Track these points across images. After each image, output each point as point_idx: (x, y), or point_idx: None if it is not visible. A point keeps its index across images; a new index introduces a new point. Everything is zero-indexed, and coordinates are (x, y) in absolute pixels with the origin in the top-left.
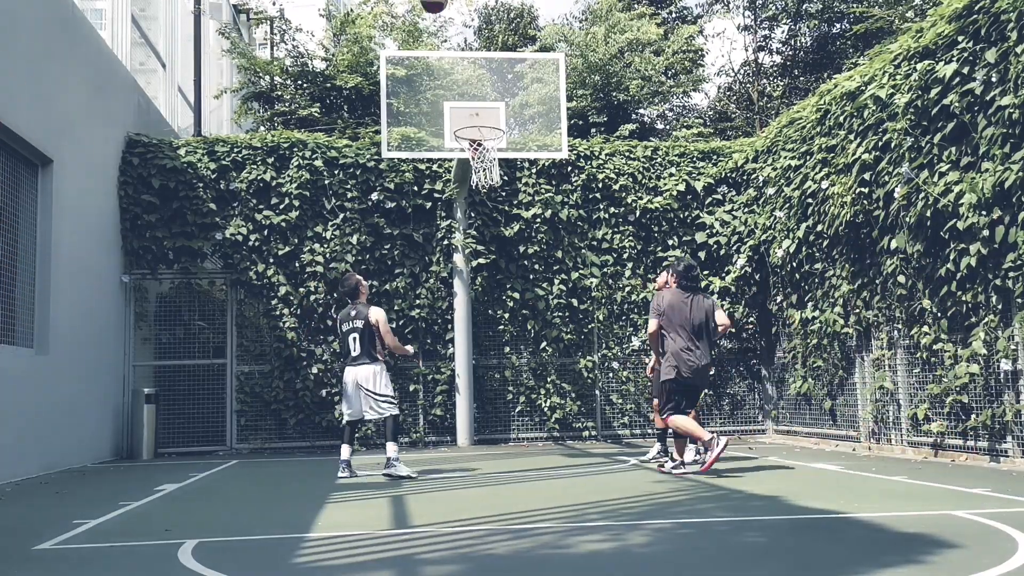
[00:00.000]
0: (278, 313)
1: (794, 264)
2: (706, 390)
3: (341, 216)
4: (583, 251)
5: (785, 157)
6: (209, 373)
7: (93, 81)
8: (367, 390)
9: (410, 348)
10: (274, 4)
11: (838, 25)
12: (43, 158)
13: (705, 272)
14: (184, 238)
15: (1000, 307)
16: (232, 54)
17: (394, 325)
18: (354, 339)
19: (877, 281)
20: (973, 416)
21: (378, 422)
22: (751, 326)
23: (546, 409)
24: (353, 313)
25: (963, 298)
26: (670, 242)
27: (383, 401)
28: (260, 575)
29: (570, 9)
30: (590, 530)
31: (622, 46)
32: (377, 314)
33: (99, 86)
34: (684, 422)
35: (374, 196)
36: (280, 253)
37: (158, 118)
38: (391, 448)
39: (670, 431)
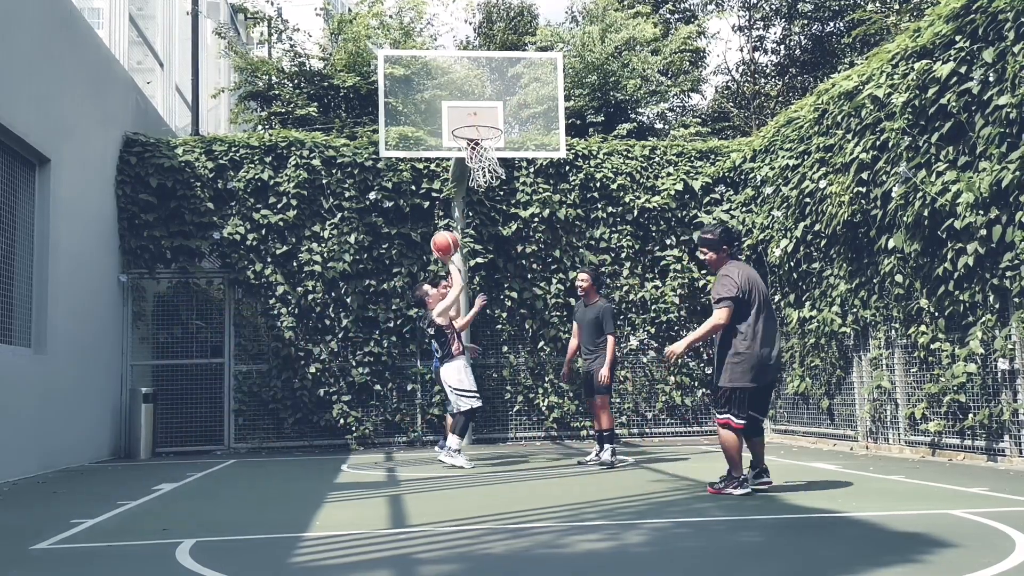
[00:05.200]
0: (276, 312)
1: (792, 263)
2: (705, 390)
3: (339, 215)
4: (581, 250)
5: (783, 156)
6: (207, 372)
7: (91, 80)
8: (448, 385)
9: (468, 315)
10: (271, 3)
11: (832, 24)
12: (41, 157)
13: (703, 272)
14: (182, 237)
15: (997, 306)
16: (229, 55)
17: (391, 324)
18: (431, 342)
19: (875, 280)
20: (971, 415)
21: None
22: None
23: (544, 408)
24: (427, 321)
25: (960, 297)
26: (668, 241)
27: (459, 395)
28: (258, 574)
29: (568, 6)
30: (587, 529)
31: (619, 45)
32: (434, 311)
33: (97, 85)
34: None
35: (372, 195)
36: (278, 252)
37: (156, 117)
38: (451, 439)
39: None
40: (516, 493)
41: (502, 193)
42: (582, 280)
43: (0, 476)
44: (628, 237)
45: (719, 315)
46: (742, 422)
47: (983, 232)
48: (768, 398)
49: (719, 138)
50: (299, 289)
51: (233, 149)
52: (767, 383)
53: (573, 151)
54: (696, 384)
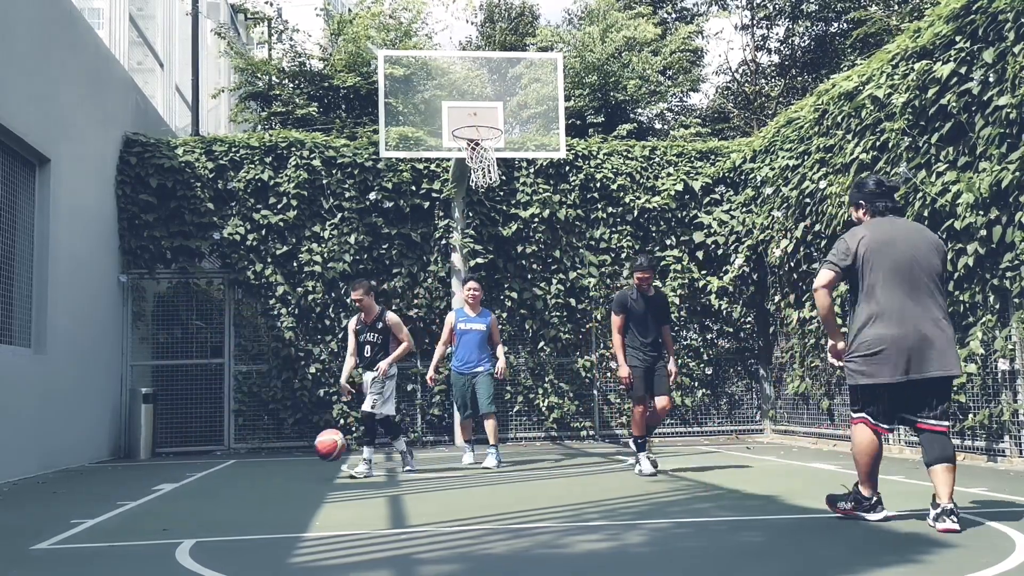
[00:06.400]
0: (276, 313)
1: (792, 264)
2: (705, 390)
3: (339, 216)
4: (581, 251)
5: (783, 157)
6: (207, 373)
7: (91, 80)
8: None
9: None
10: (271, 4)
11: (835, 24)
12: (41, 157)
13: (703, 272)
14: (182, 238)
15: (997, 307)
16: (229, 55)
17: None
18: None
19: None
20: (971, 416)
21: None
22: (749, 326)
23: (544, 409)
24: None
25: (961, 298)
26: (668, 242)
27: None
28: (258, 574)
29: (569, 7)
30: (588, 530)
31: (619, 45)
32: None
33: (97, 85)
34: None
35: (372, 196)
36: (278, 253)
37: (156, 117)
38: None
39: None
40: (516, 493)
41: (502, 193)
42: (645, 279)
43: (0, 476)
44: (628, 237)
45: (817, 279)
46: (887, 427)
47: (983, 232)
48: (923, 399)
49: (719, 138)
50: (299, 289)
51: (233, 149)
52: (909, 382)
53: (573, 151)
54: (696, 384)
